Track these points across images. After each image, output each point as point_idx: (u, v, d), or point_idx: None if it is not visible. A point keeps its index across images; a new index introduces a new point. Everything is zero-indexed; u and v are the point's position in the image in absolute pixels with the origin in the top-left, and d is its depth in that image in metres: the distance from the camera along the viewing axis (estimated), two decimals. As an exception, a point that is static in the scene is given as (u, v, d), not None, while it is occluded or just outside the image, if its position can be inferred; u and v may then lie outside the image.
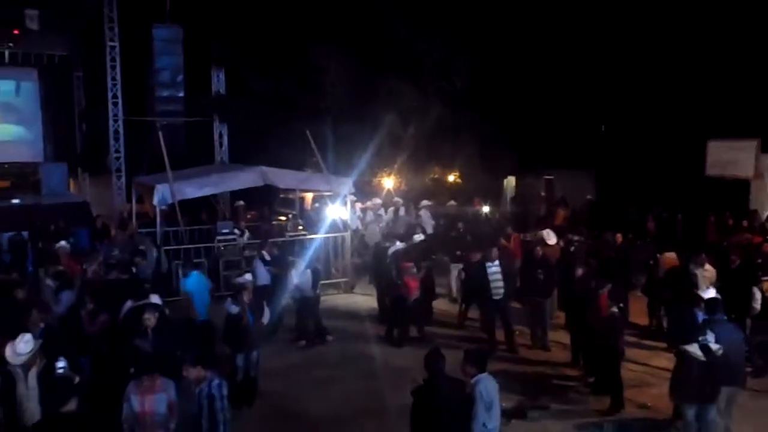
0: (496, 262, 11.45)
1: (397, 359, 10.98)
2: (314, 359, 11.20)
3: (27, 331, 7.11)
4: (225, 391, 6.39)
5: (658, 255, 12.40)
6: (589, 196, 21.50)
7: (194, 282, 10.72)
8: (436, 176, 24.69)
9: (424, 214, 18.94)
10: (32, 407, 6.42)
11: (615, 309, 9.02)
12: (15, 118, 26.15)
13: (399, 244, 13.07)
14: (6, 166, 24.69)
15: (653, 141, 19.44)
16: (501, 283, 11.33)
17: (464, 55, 21.40)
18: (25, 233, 15.81)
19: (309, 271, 11.99)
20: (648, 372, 10.35)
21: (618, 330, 9.10)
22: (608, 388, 9.17)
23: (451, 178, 21.56)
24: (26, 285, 10.33)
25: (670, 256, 12.06)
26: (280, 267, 12.60)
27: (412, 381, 9.16)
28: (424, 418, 6.10)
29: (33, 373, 6.69)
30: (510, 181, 25.84)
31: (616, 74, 20.19)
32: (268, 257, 12.80)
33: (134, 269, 11.38)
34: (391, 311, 12.38)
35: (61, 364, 6.67)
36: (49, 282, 10.19)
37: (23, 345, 6.62)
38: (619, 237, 13.36)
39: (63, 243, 12.82)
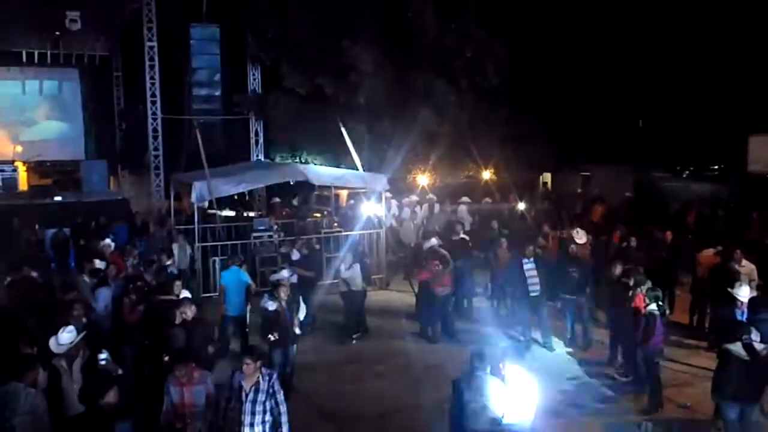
0: (532, 259, 11.37)
1: (432, 356, 10.95)
2: (350, 355, 11.23)
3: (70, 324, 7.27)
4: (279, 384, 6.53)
5: (697, 253, 12.17)
6: (627, 193, 21.18)
7: (229, 277, 10.81)
8: (471, 173, 24.56)
9: (462, 211, 18.87)
10: (77, 399, 6.54)
11: (654, 307, 8.87)
12: (57, 117, 26.77)
13: (434, 241, 13.01)
14: (48, 164, 25.28)
15: (693, 136, 19.09)
16: (537, 280, 11.24)
17: (499, 50, 21.22)
18: (67, 230, 16.16)
19: (357, 265, 11.99)
20: (688, 371, 10.15)
21: (656, 328, 8.95)
22: (646, 387, 9.03)
23: (486, 174, 21.40)
24: (68, 281, 10.63)
25: (709, 254, 11.82)
26: (310, 265, 12.67)
27: (446, 378, 9.22)
28: (461, 408, 6.09)
29: (77, 365, 6.83)
30: (546, 178, 25.59)
31: (654, 68, 19.87)
32: (297, 256, 12.85)
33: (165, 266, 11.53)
34: (423, 308, 12.38)
35: (103, 355, 6.82)
36: (86, 279, 10.38)
37: (65, 335, 6.77)
38: (668, 234, 13.13)
39: (107, 241, 13.06)
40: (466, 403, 6.14)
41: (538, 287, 11.25)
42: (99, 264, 11.16)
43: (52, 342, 6.78)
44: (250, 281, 11.06)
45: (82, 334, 6.95)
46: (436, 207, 19.63)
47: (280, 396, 6.50)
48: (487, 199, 20.05)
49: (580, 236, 12.91)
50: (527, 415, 6.24)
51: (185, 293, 9.41)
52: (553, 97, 21.43)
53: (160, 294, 9.44)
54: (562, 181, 24.64)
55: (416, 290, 13.26)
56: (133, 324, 8.84)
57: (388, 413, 8.93)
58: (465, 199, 19.85)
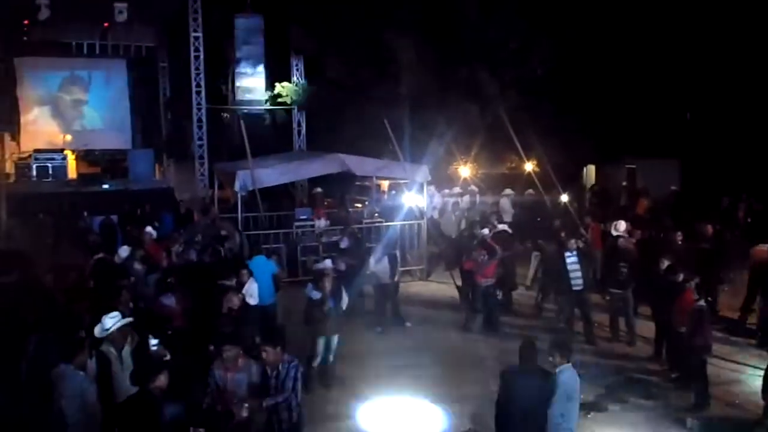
0: (575, 252, 11.24)
1: (473, 348, 10.93)
2: (391, 345, 11.26)
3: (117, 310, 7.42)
4: (301, 373, 6.56)
5: (751, 248, 11.88)
6: (673, 187, 20.77)
7: (256, 265, 10.69)
8: (513, 165, 24.34)
9: (504, 203, 18.75)
10: (127, 386, 6.64)
11: (702, 302, 8.70)
12: (105, 106, 27.24)
13: (486, 231, 12.94)
14: (97, 153, 25.76)
15: (742, 128, 18.60)
16: (579, 273, 11.11)
17: (542, 41, 20.97)
18: (114, 217, 16.52)
19: (386, 258, 12.03)
20: (736, 369, 9.96)
21: (704, 324, 8.77)
22: (693, 384, 8.87)
23: (528, 166, 21.19)
24: (118, 267, 10.86)
25: (762, 249, 11.53)
26: (355, 256, 12.73)
27: (488, 370, 9.21)
28: (508, 401, 6.05)
29: (126, 351, 6.92)
30: (590, 170, 25.24)
31: (701, 59, 19.39)
32: (345, 244, 12.93)
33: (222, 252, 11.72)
34: (466, 299, 12.35)
35: (153, 341, 6.94)
36: (137, 265, 10.58)
37: (108, 320, 6.83)
38: (709, 228, 12.83)
39: (149, 229, 13.32)
40: (514, 397, 6.09)
41: (581, 281, 11.12)
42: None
43: (96, 327, 6.86)
44: (277, 270, 11.08)
45: (127, 320, 7.01)
46: (478, 198, 19.54)
47: (297, 384, 6.53)
48: (530, 191, 19.87)
49: (620, 228, 12.74)
50: (570, 410, 6.17)
51: (252, 282, 9.62)
52: (597, 89, 21.09)
53: (217, 278, 9.59)
54: (606, 174, 24.27)
55: (457, 282, 13.24)
56: (183, 310, 8.99)
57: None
58: (508, 191, 19.73)
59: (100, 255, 11.07)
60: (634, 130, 20.96)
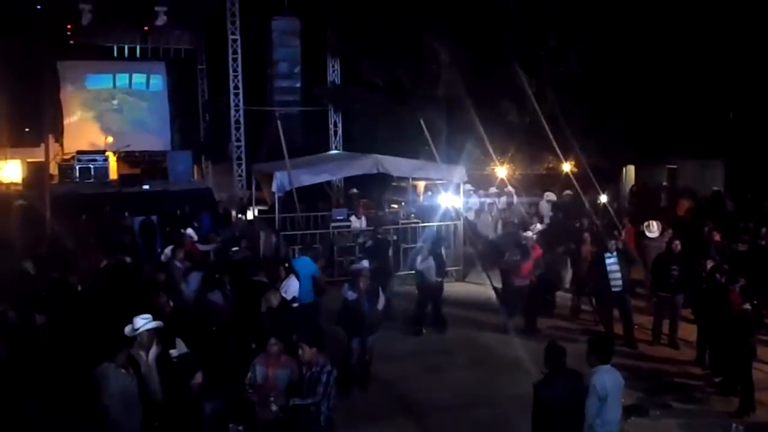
0: (615, 254, 11.07)
1: (510, 349, 10.82)
2: (427, 346, 11.23)
3: (155, 311, 7.51)
4: (333, 379, 6.50)
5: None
6: (716, 187, 20.31)
7: (300, 264, 10.77)
8: (551, 165, 24.07)
9: (543, 205, 18.58)
10: (155, 388, 6.67)
11: (748, 305, 8.49)
12: (145, 108, 27.77)
13: (527, 234, 12.85)
14: (137, 154, 26.23)
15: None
16: (619, 275, 10.94)
17: (581, 39, 20.68)
18: (154, 217, 16.78)
19: (431, 257, 11.97)
20: (783, 374, 9.70)
21: (750, 328, 8.57)
22: (737, 389, 8.66)
23: (566, 167, 20.92)
24: (156, 267, 11.06)
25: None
26: (377, 257, 12.71)
27: (525, 372, 9.12)
28: (544, 411, 5.95)
29: (152, 354, 6.88)
30: (629, 171, 24.86)
31: (745, 56, 18.90)
32: (371, 242, 12.93)
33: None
34: (503, 300, 12.27)
35: (174, 351, 6.97)
36: (178, 264, 10.74)
37: (139, 320, 6.84)
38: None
39: (189, 230, 13.50)
40: (550, 408, 5.97)
41: (620, 282, 10.94)
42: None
43: (127, 327, 6.85)
44: (317, 272, 11.09)
45: (156, 323, 6.96)
46: (515, 199, 19.38)
47: (329, 390, 6.45)
48: (568, 192, 19.63)
49: (653, 230, 12.51)
50: (606, 412, 6.04)
51: (293, 279, 9.71)
52: (637, 86, 20.72)
53: (250, 275, 9.69)
54: (646, 175, 23.86)
55: (494, 282, 13.15)
56: (224, 308, 9.10)
57: (464, 405, 8.90)
58: (549, 194, 19.47)
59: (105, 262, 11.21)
60: (675, 130, 20.52)
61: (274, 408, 6.35)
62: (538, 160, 23.65)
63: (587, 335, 10.08)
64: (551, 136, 17.61)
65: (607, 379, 6.01)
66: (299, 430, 6.52)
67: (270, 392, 6.52)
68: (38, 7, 21.27)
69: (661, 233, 12.75)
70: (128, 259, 11.22)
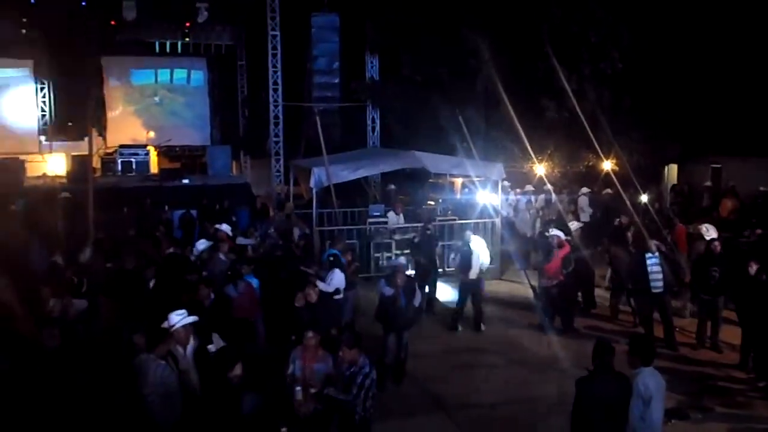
0: (656, 254, 10.87)
1: (546, 348, 10.75)
2: (463, 344, 11.21)
3: (196, 305, 7.56)
4: (371, 382, 6.46)
5: None
6: (762, 187, 19.78)
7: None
8: (591, 163, 23.72)
9: (582, 202, 18.34)
10: (193, 383, 6.74)
11: (795, 309, 8.28)
12: (186, 104, 28.18)
13: (555, 231, 12.71)
14: (177, 149, 26.63)
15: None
16: (660, 276, 10.74)
17: (624, 35, 20.30)
18: (193, 211, 17.00)
19: (471, 255, 11.90)
20: (831, 380, 9.41)
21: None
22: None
23: (607, 165, 20.60)
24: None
25: None
26: (425, 253, 12.67)
27: (561, 372, 9.04)
28: (585, 410, 5.87)
29: (190, 349, 6.95)
30: (672, 169, 24.37)
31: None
32: (418, 238, 12.95)
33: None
34: (540, 299, 12.16)
35: (211, 346, 7.04)
36: (222, 257, 10.84)
37: (175, 316, 6.89)
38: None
39: (224, 226, 13.64)
40: (592, 406, 5.87)
41: (661, 283, 10.75)
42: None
43: (164, 323, 6.90)
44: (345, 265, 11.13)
45: (192, 318, 7.00)
46: (553, 196, 19.17)
47: (363, 393, 6.37)
48: (608, 190, 19.34)
49: (710, 232, 12.19)
50: (649, 414, 5.93)
51: (337, 272, 9.84)
52: (681, 83, 20.28)
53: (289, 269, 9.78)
54: (689, 173, 23.36)
55: (531, 281, 13.03)
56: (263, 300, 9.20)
57: (498, 403, 8.84)
58: (585, 189, 19.28)
59: (171, 249, 11.40)
60: (720, 127, 20.04)
61: (298, 397, 6.37)
62: (577, 157, 23.29)
63: (626, 336, 9.98)
64: (591, 134, 17.33)
65: (650, 381, 5.92)
66: (335, 426, 6.54)
67: (308, 386, 6.56)
68: (83, 3, 21.75)
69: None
70: (176, 251, 11.40)
